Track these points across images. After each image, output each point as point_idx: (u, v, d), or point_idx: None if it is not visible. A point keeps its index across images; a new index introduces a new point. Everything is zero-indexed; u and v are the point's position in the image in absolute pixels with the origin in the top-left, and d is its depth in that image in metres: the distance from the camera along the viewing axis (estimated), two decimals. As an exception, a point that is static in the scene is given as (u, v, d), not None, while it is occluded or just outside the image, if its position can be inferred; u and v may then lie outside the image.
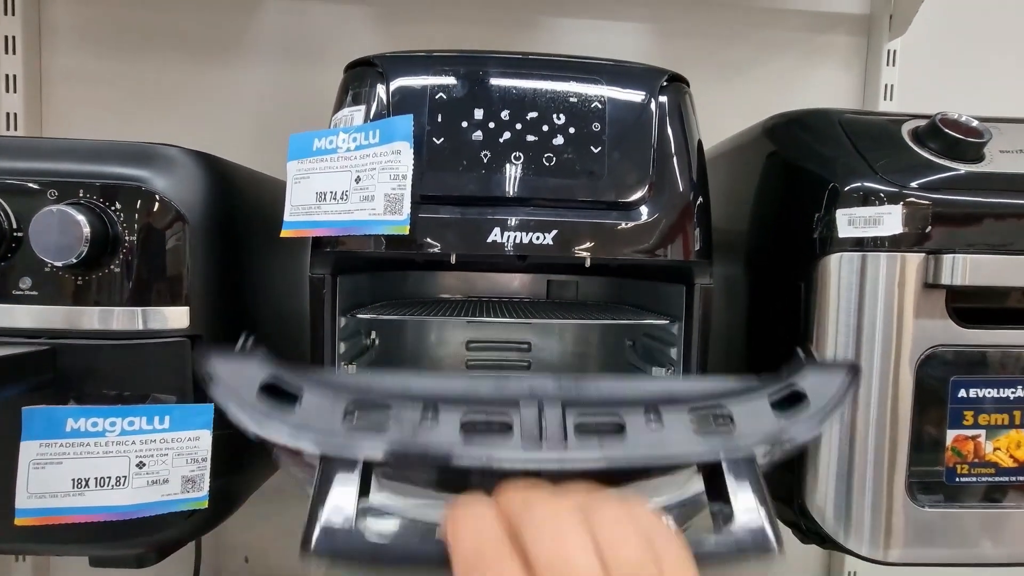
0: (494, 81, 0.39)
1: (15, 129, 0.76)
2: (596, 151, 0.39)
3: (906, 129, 0.48)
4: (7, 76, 0.76)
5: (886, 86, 0.87)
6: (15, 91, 0.76)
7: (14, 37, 0.76)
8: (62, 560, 0.79)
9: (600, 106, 0.39)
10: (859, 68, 0.90)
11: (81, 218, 0.38)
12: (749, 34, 0.88)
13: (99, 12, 0.79)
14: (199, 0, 0.79)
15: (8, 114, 0.76)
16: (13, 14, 0.76)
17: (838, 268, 0.46)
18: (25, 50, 0.76)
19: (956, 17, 0.88)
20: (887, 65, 0.87)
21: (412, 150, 0.37)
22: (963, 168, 0.45)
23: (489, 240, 0.37)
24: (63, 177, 0.41)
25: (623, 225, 0.38)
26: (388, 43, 0.81)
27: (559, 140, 0.38)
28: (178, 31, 0.79)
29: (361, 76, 0.41)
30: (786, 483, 0.51)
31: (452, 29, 0.81)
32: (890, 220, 0.43)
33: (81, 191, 0.40)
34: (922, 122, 0.48)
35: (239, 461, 0.49)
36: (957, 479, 0.45)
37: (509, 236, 0.37)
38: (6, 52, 0.76)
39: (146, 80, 0.79)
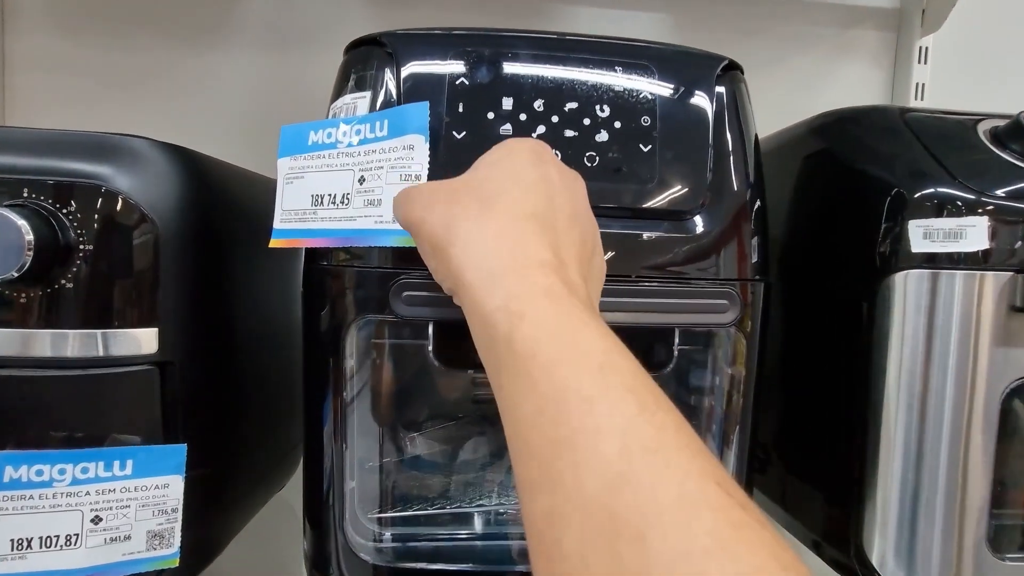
0: (526, 65, 0.33)
1: (-27, 118, 0.69)
2: (646, 150, 0.33)
3: (983, 129, 0.42)
4: (-36, 60, 0.68)
5: (917, 85, 0.83)
6: (-28, 76, 0.69)
7: (-28, 17, 0.68)
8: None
9: (650, 97, 0.33)
10: (888, 65, 0.85)
11: (23, 223, 0.31)
12: (772, 28, 0.83)
13: (67, -10, 0.71)
14: (178, -21, 0.72)
15: (-35, 101, 0.69)
16: (-29, -9, 0.68)
17: (903, 286, 0.41)
18: (-15, 31, 0.69)
19: (993, 13, 0.83)
20: (919, 63, 0.82)
21: (428, 145, 0.31)
22: (1055, 174, 0.39)
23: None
24: (4, 173, 0.34)
25: (677, 238, 0.32)
26: (385, 28, 0.74)
27: (603, 136, 0.32)
28: (155, 12, 0.72)
29: (366, 57, 0.34)
30: (840, 522, 0.45)
31: (455, 15, 0.75)
32: (975, 233, 0.38)
33: (26, 190, 0.33)
34: (1000, 121, 0.42)
35: (220, 505, 0.42)
36: (1046, 529, 0.39)
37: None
38: (-37, 33, 0.68)
39: (119, 66, 0.72)
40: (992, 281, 0.39)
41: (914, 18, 0.82)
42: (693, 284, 0.32)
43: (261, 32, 0.73)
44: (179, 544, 0.36)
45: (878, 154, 0.44)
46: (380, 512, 0.38)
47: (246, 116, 0.73)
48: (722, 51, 0.85)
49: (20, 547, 0.32)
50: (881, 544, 0.43)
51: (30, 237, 0.32)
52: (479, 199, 0.26)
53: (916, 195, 0.40)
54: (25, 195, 0.33)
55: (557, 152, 0.32)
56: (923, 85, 0.83)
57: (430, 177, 0.31)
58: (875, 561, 0.43)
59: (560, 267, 0.24)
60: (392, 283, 0.30)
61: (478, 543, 0.36)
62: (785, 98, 0.83)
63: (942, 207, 0.39)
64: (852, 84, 0.85)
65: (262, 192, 0.48)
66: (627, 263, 0.31)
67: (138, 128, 0.39)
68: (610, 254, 0.32)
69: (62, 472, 0.33)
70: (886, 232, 0.41)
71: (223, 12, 0.73)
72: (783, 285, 0.52)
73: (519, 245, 0.24)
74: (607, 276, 0.28)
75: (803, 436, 0.51)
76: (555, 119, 0.32)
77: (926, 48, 0.82)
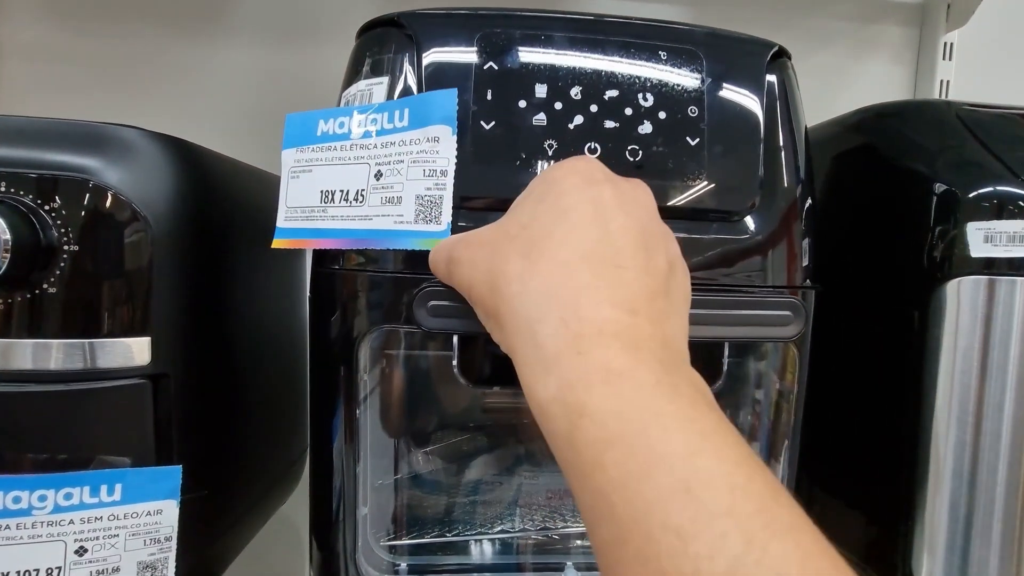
0: (561, 49, 0.30)
1: (-40, 108, 0.65)
2: (694, 143, 0.29)
3: (1044, 124, 0.40)
4: (-51, 48, 0.65)
5: (942, 82, 0.80)
6: (-40, 65, 0.65)
7: (-42, 2, 0.65)
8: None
9: (698, 85, 0.30)
10: (911, 61, 0.83)
11: (0, 221, 0.28)
12: (792, 23, 0.80)
13: (59, -23, 0.68)
14: (175, -35, 0.68)
15: (-50, 92, 0.65)
16: (-43, -24, 0.65)
17: (957, 294, 0.38)
18: (-29, 20, 0.66)
19: (1022, 8, 0.81)
20: (943, 59, 0.80)
21: (455, 137, 0.27)
22: (1126, 173, 0.36)
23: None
24: (-20, 165, 0.30)
25: (727, 240, 0.29)
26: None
27: (646, 128, 0.29)
28: (151, 2, 0.69)
29: (383, 39, 0.31)
30: (884, 544, 0.43)
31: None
32: (1043, 237, 0.35)
33: (3, 184, 0.30)
34: (1061, 117, 0.39)
35: (216, 529, 0.39)
36: (1113, 557, 0.37)
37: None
38: (-52, 20, 0.65)
39: (115, 56, 0.69)
40: (1058, 289, 0.36)
41: (939, 13, 0.80)
42: (753, 294, 0.29)
43: (264, 19, 0.70)
44: (174, 574, 0.32)
45: (927, 151, 0.41)
46: (394, 539, 0.34)
47: (247, 107, 0.70)
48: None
49: (-5, 583, 0.29)
50: (930, 566, 0.40)
51: (7, 236, 0.28)
52: (522, 248, 0.22)
53: (972, 194, 0.37)
54: (2, 189, 0.30)
55: (597, 146, 0.29)
56: (947, 82, 0.80)
57: (456, 174, 0.27)
58: (926, 587, 0.40)
59: (624, 320, 0.20)
60: (417, 292, 0.26)
61: (501, 574, 0.33)
62: (807, 93, 0.80)
63: (1003, 207, 0.36)
64: (874, 80, 0.83)
65: (265, 188, 0.45)
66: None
67: (133, 119, 0.36)
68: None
69: (42, 499, 0.29)
70: (940, 235, 0.38)
71: (224, 1, 0.69)
72: (839, 296, 0.49)
73: (569, 305, 0.20)
74: None
75: (844, 453, 0.48)
76: (594, 108, 0.29)
77: (951, 44, 0.80)
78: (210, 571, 0.40)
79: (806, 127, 0.35)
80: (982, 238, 0.36)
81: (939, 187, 0.39)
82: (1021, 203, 0.36)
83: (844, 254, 0.47)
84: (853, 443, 0.46)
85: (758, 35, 0.71)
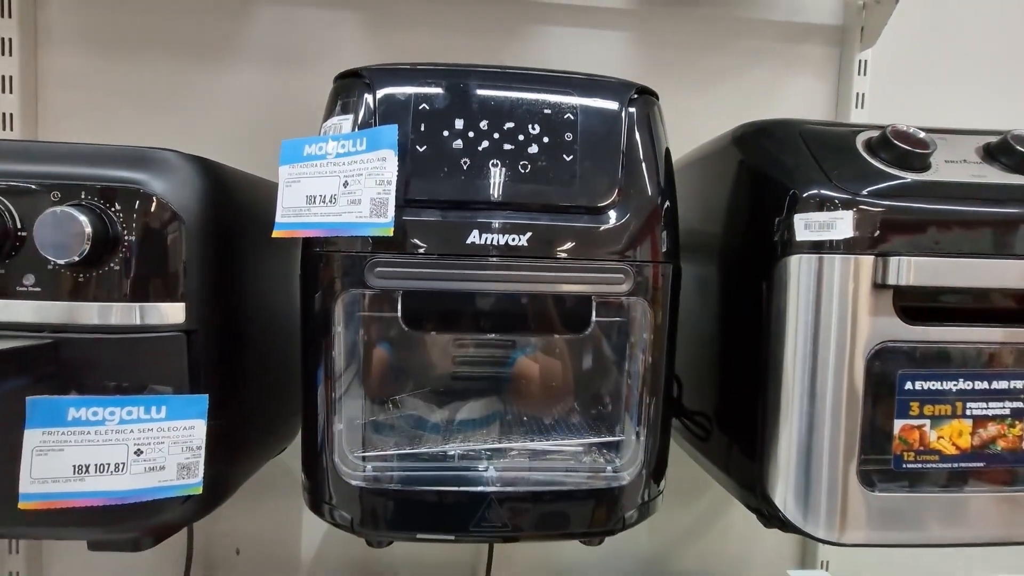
0: (474, 93, 0.42)
1: (10, 130, 0.78)
2: (568, 159, 0.41)
3: (861, 140, 0.51)
4: (3, 77, 0.78)
5: (858, 95, 0.91)
6: (11, 92, 0.78)
7: (11, 39, 0.78)
8: (55, 552, 0.80)
9: (572, 117, 0.42)
10: (832, 77, 0.93)
11: (83, 218, 0.40)
12: (727, 44, 0.91)
13: (94, 16, 0.80)
14: (191, 6, 0.81)
15: (4, 115, 0.78)
16: (10, 16, 0.78)
17: (797, 269, 0.49)
18: (21, 52, 0.78)
19: (923, 29, 0.92)
20: (859, 74, 0.91)
21: (397, 157, 0.40)
22: (910, 177, 0.48)
23: (468, 241, 0.40)
24: (65, 179, 0.43)
25: (593, 228, 0.41)
26: (377, 50, 0.83)
27: (534, 149, 0.41)
28: (171, 36, 0.81)
29: (350, 87, 0.44)
30: (749, 471, 0.54)
31: (440, 37, 0.84)
32: (842, 224, 0.47)
33: (83, 193, 0.42)
34: (876, 133, 0.51)
35: (231, 452, 0.51)
36: (904, 466, 0.48)
37: (487, 237, 0.40)
38: (3, 54, 0.78)
39: (139, 83, 0.81)
40: (863, 263, 0.47)
41: (854, 34, 0.91)
42: (598, 262, 0.41)
43: (264, 56, 0.82)
44: (202, 475, 0.44)
45: (779, 161, 0.53)
46: (364, 451, 0.47)
47: (249, 128, 0.82)
48: (683, 64, 0.95)
49: (80, 472, 0.41)
50: (782, 487, 0.51)
51: (89, 230, 0.41)
52: None
53: (804, 195, 0.49)
54: (82, 197, 0.42)
55: (497, 162, 0.41)
56: (863, 95, 0.92)
57: (398, 183, 0.40)
58: (777, 502, 0.52)
59: None
60: (367, 262, 0.39)
61: (443, 473, 0.45)
62: (741, 107, 0.92)
63: (820, 204, 0.48)
64: (801, 94, 0.93)
65: (266, 193, 0.57)
66: (552, 247, 0.40)
67: (154, 136, 0.48)
68: (541, 240, 0.41)
69: (112, 413, 0.42)
70: (780, 224, 0.50)
71: (231, 38, 0.82)
72: (718, 269, 0.61)
73: None
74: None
75: (727, 404, 0.60)
76: (496, 136, 0.41)
77: (865, 61, 0.91)
78: (226, 486, 0.52)
79: (667, 147, 0.47)
80: (803, 225, 0.48)
81: (783, 187, 0.50)
82: (835, 201, 0.48)
83: (723, 238, 0.58)
84: (722, 385, 0.58)
85: (694, 55, 0.85)
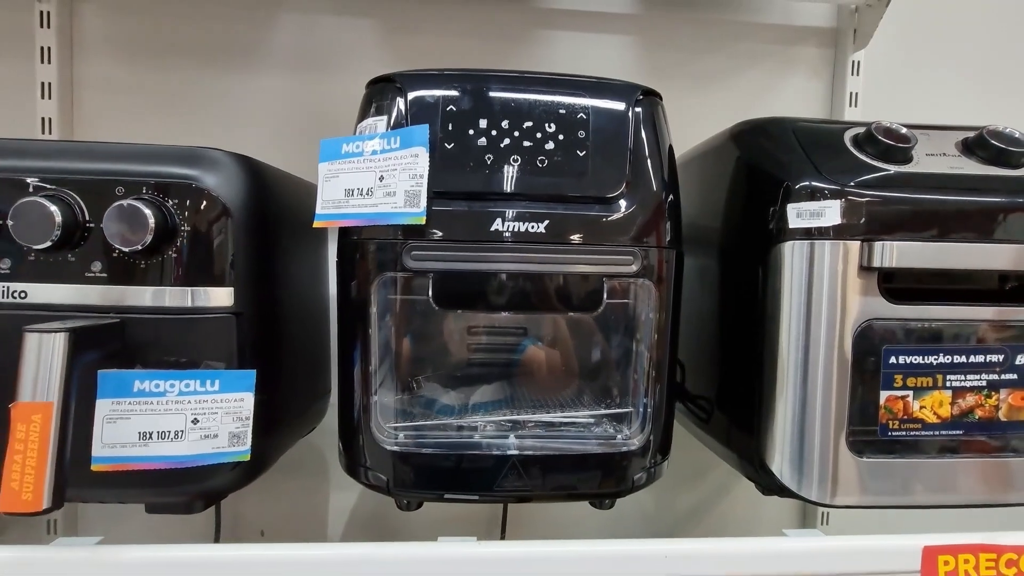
0: (496, 95, 0.47)
1: (49, 133, 0.83)
2: (581, 155, 0.46)
3: (848, 136, 0.56)
4: (43, 84, 0.83)
5: (851, 94, 0.95)
6: (50, 97, 0.83)
7: (49, 47, 0.83)
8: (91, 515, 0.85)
9: (584, 116, 0.47)
10: (827, 77, 0.98)
11: (148, 211, 0.45)
12: (725, 47, 0.96)
13: (127, 24, 0.85)
14: (220, 14, 0.86)
15: (43, 119, 0.83)
16: (48, 27, 0.83)
17: (790, 254, 0.54)
18: (59, 59, 0.83)
19: (913, 31, 0.97)
20: (852, 75, 0.95)
21: (428, 153, 0.44)
22: (893, 169, 0.52)
23: (492, 229, 0.45)
24: (127, 176, 0.47)
25: (604, 216, 0.46)
26: (394, 55, 0.88)
27: (550, 145, 0.46)
28: (200, 42, 0.86)
29: (382, 91, 0.48)
30: (747, 444, 0.58)
31: (453, 42, 0.88)
32: (830, 212, 0.51)
33: (144, 188, 0.47)
34: (862, 130, 0.55)
35: (270, 426, 0.56)
36: (889, 434, 0.52)
37: (508, 225, 0.45)
38: (42, 61, 0.82)
39: (168, 87, 0.86)
40: (851, 248, 0.52)
41: (848, 36, 0.95)
42: (609, 246, 0.45)
43: (289, 61, 0.86)
44: (250, 444, 0.49)
45: (773, 156, 0.57)
46: (396, 423, 0.51)
47: (274, 129, 0.86)
48: (684, 66, 0.99)
49: (144, 438, 0.46)
50: (779, 457, 0.56)
51: (151, 223, 0.45)
52: None
53: (796, 186, 0.53)
54: (144, 191, 0.47)
55: (518, 157, 0.45)
56: (856, 94, 0.96)
57: (429, 177, 0.44)
58: (775, 470, 0.56)
59: None
60: (403, 247, 0.44)
61: (468, 439, 0.50)
62: (739, 107, 0.96)
63: (811, 194, 0.52)
64: (797, 94, 0.98)
65: (301, 190, 0.62)
66: (567, 233, 0.45)
67: (184, 138, 0.53)
68: (557, 228, 0.45)
69: (172, 386, 0.46)
70: (775, 214, 0.54)
71: (258, 44, 0.86)
72: (718, 257, 0.65)
73: None
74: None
75: (727, 383, 0.64)
76: (516, 133, 0.46)
77: (858, 62, 0.95)
78: (264, 458, 0.57)
79: (670, 144, 0.51)
80: (796, 214, 0.52)
81: (777, 180, 0.55)
82: (825, 191, 0.52)
83: (722, 228, 0.63)
84: (723, 365, 0.63)
85: (694, 57, 0.90)
